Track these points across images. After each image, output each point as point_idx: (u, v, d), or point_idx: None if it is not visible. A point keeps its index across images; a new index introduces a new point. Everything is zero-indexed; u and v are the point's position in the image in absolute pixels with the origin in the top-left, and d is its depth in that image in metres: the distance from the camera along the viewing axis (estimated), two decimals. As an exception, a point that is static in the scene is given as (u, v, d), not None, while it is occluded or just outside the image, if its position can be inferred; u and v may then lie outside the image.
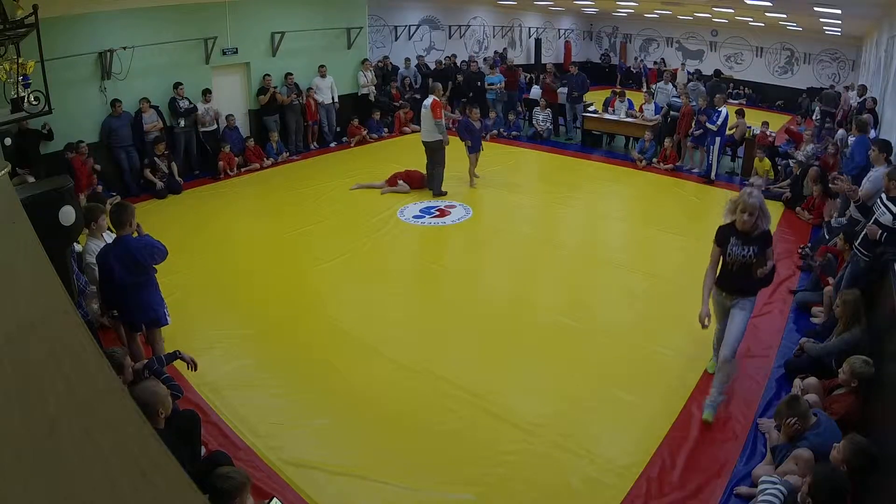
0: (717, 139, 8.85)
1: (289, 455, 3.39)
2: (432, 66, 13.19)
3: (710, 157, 9.06)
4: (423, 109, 7.97)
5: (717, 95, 9.22)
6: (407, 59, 12.87)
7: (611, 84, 18.54)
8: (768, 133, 9.30)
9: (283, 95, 9.73)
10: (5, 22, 3.14)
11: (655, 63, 19.41)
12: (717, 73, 12.93)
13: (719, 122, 8.71)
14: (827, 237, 5.84)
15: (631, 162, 9.91)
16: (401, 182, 8.18)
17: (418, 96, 12.05)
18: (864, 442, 2.76)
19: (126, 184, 7.98)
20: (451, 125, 8.52)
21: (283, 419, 3.70)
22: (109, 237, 4.06)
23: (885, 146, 5.39)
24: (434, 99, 7.84)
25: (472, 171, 8.48)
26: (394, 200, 7.85)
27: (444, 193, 8.05)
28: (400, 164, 8.84)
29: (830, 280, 5.08)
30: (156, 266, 3.84)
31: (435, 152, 7.92)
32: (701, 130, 9.16)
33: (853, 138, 7.19)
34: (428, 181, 8.16)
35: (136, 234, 3.83)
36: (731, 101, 14.59)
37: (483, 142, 8.76)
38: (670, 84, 11.37)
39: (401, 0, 13.41)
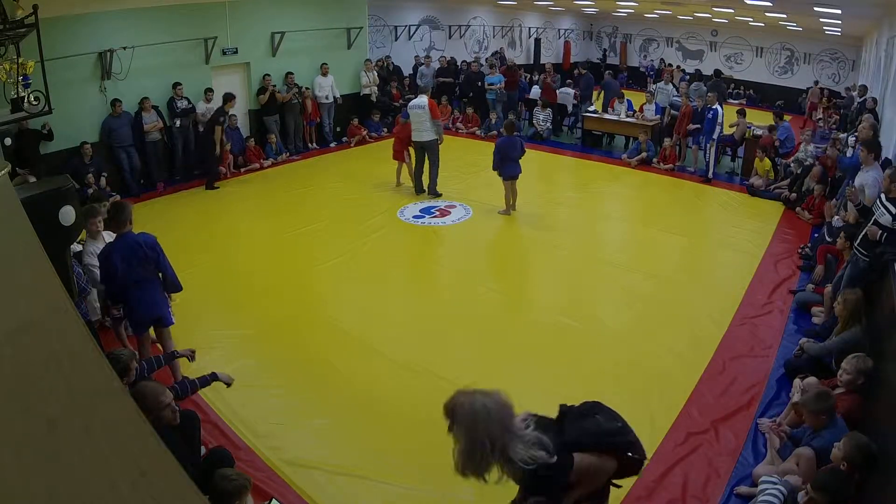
0: (715, 137, 8.84)
1: (289, 455, 3.39)
2: (436, 66, 13.18)
3: (707, 156, 9.07)
4: (415, 109, 7.76)
5: (710, 94, 9.26)
6: (427, 58, 12.90)
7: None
8: (775, 138, 9.23)
9: (283, 94, 9.73)
10: (5, 22, 3.13)
11: (670, 65, 19.25)
12: (717, 72, 12.94)
13: (720, 120, 8.71)
14: (827, 237, 5.84)
15: (629, 162, 9.91)
16: (405, 154, 8.20)
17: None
18: (865, 440, 2.76)
19: (126, 184, 7.98)
20: (450, 125, 8.42)
21: (283, 419, 3.71)
22: (109, 237, 4.06)
23: (873, 146, 5.40)
24: (429, 99, 7.77)
25: (512, 199, 7.47)
26: (394, 200, 7.85)
27: (440, 195, 8.00)
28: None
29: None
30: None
31: (430, 151, 7.86)
32: (698, 126, 9.20)
33: (853, 138, 7.19)
34: (417, 181, 8.12)
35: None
36: (731, 101, 14.63)
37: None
38: (670, 84, 11.39)
39: (401, 0, 13.41)
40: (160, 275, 3.84)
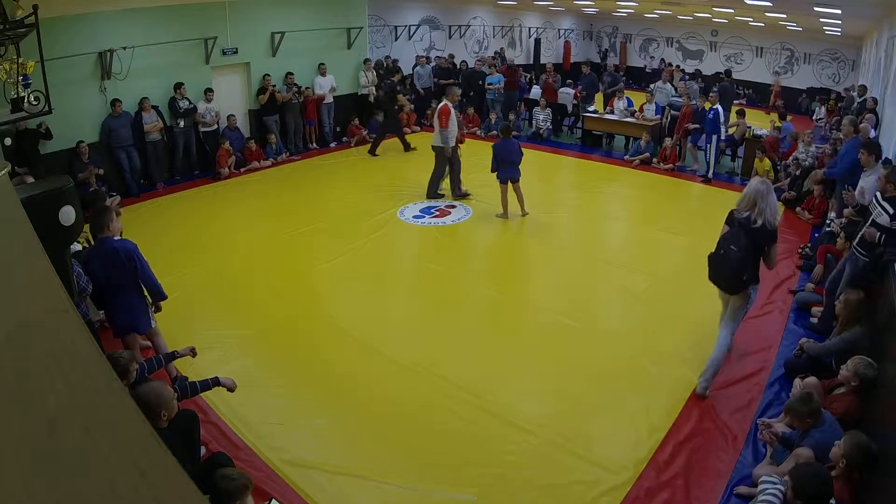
0: (714, 138, 8.85)
1: (289, 455, 3.39)
2: (434, 66, 13.16)
3: (708, 156, 9.07)
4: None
5: (711, 94, 9.26)
6: (427, 58, 12.92)
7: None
8: (779, 137, 9.24)
9: (283, 94, 9.73)
10: (5, 22, 3.13)
11: (670, 64, 19.16)
12: (728, 73, 12.81)
13: (722, 120, 8.73)
14: (831, 230, 5.82)
15: (630, 162, 9.91)
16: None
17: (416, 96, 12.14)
18: (865, 439, 2.76)
19: (126, 184, 7.97)
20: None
21: (283, 419, 3.71)
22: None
23: (873, 148, 5.32)
24: (444, 104, 7.62)
25: (520, 204, 7.35)
26: (394, 200, 7.85)
27: (442, 196, 7.98)
28: (400, 164, 8.85)
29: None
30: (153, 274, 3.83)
31: (435, 157, 7.83)
32: (696, 126, 9.22)
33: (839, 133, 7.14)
34: (455, 186, 8.07)
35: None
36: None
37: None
38: (668, 83, 11.42)
39: (401, 0, 13.41)
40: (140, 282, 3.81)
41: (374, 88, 11.35)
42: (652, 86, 11.63)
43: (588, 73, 11.78)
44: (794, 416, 3.13)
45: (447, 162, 7.85)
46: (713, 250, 3.84)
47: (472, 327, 4.90)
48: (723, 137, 8.88)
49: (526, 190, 7.38)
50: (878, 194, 4.33)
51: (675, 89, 10.94)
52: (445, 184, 8.09)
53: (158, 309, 3.98)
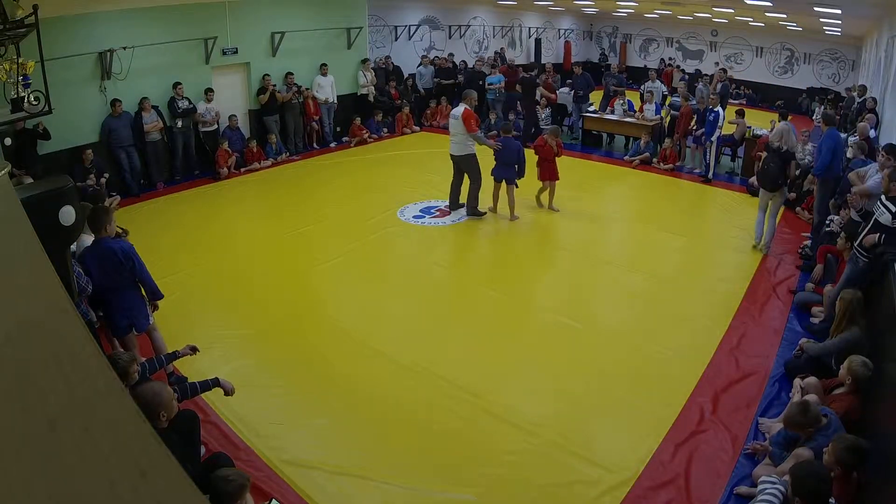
0: (714, 139, 8.85)
1: (289, 455, 3.39)
2: (434, 66, 13.16)
3: (707, 156, 9.07)
4: (451, 119, 7.10)
5: (712, 96, 9.27)
6: (425, 58, 12.93)
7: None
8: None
9: (283, 94, 9.74)
10: (5, 22, 3.13)
11: (670, 65, 19.12)
12: (723, 71, 12.88)
13: (720, 123, 8.73)
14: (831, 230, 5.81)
15: (630, 162, 9.91)
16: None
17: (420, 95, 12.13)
18: (851, 439, 2.76)
19: (126, 184, 7.97)
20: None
21: (283, 419, 3.71)
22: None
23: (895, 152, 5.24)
24: (466, 108, 6.94)
25: (510, 207, 7.26)
26: (394, 200, 7.85)
27: (483, 214, 7.32)
28: (400, 164, 8.83)
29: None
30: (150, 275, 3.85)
31: (466, 167, 7.15)
32: (702, 129, 9.22)
33: (853, 138, 7.14)
34: (454, 198, 7.44)
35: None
36: (730, 101, 14.64)
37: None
38: (657, 81, 11.48)
39: (401, 0, 13.41)
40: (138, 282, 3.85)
41: (372, 88, 11.36)
42: (642, 87, 11.65)
43: (581, 74, 11.76)
44: (795, 428, 3.12)
45: (479, 169, 7.17)
46: (760, 167, 6.30)
47: (472, 327, 4.89)
48: (713, 139, 8.87)
49: (526, 189, 7.37)
50: (883, 195, 4.34)
51: (665, 86, 10.97)
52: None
53: (155, 308, 4.03)
